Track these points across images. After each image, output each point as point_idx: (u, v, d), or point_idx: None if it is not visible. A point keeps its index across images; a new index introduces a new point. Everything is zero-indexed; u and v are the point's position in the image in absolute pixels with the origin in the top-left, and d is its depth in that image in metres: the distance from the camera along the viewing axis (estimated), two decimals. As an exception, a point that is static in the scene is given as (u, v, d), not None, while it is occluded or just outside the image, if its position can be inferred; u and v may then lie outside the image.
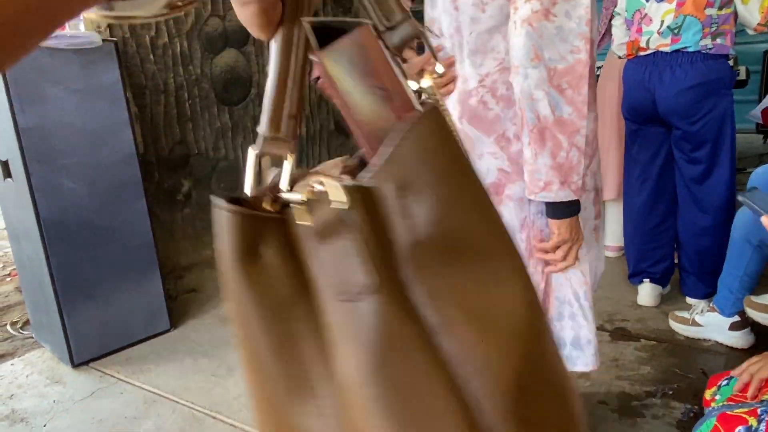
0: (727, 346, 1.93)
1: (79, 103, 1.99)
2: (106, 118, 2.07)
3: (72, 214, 2.03)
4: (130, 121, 2.13)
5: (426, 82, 0.30)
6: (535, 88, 0.96)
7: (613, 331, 2.10)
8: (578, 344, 1.15)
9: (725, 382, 1.13)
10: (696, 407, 1.62)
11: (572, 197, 1.01)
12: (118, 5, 0.23)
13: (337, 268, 0.27)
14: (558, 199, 1.01)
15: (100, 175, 2.06)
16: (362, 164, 0.30)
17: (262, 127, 0.29)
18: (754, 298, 1.77)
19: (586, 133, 0.99)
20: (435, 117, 0.27)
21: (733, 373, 1.06)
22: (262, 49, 2.99)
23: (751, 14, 1.91)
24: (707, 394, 1.18)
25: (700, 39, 1.94)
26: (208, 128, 2.80)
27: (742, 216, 1.82)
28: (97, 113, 2.04)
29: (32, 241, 2.03)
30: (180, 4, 0.23)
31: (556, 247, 1.07)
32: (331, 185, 0.26)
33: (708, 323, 1.95)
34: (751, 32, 1.98)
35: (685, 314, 2.02)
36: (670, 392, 1.71)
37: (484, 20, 1.04)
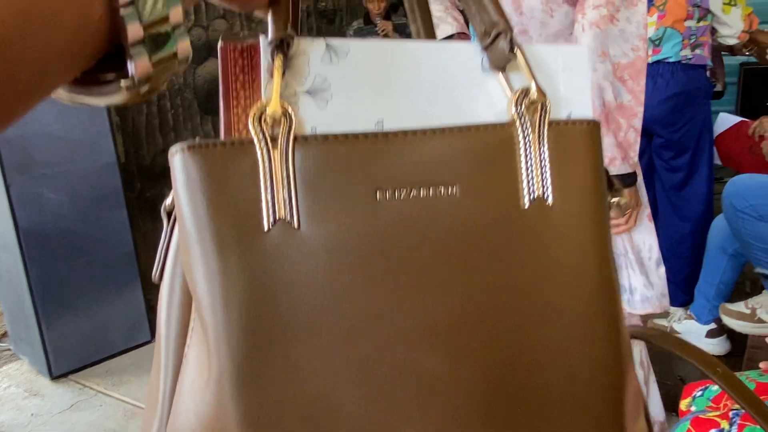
0: (704, 353, 1.95)
1: (59, 112, 1.98)
2: (86, 127, 2.05)
3: (51, 224, 2.01)
4: (111, 130, 2.12)
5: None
6: (602, 79, 1.15)
7: (594, 338, 2.12)
8: (631, 290, 1.38)
9: (700, 393, 1.14)
10: (674, 414, 1.64)
11: (629, 170, 1.22)
12: (76, 93, 0.24)
13: None
14: (620, 172, 1.21)
15: (80, 184, 2.05)
16: None
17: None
18: (729, 306, 1.80)
19: (642, 117, 1.18)
20: None
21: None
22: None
23: (733, 23, 1.96)
24: (683, 405, 1.20)
25: (680, 50, 1.99)
26: (191, 137, 2.78)
27: (717, 225, 1.85)
28: (77, 123, 2.03)
29: (11, 252, 2.01)
30: (140, 94, 0.23)
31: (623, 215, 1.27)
32: None
33: (685, 331, 1.98)
34: (733, 41, 2.03)
35: (663, 322, 2.05)
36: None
37: (552, 24, 1.22)
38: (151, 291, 2.52)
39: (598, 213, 0.33)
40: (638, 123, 1.19)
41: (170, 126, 2.69)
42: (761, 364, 0.87)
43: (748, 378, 0.99)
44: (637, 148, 1.21)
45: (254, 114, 0.29)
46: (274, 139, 0.29)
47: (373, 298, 0.29)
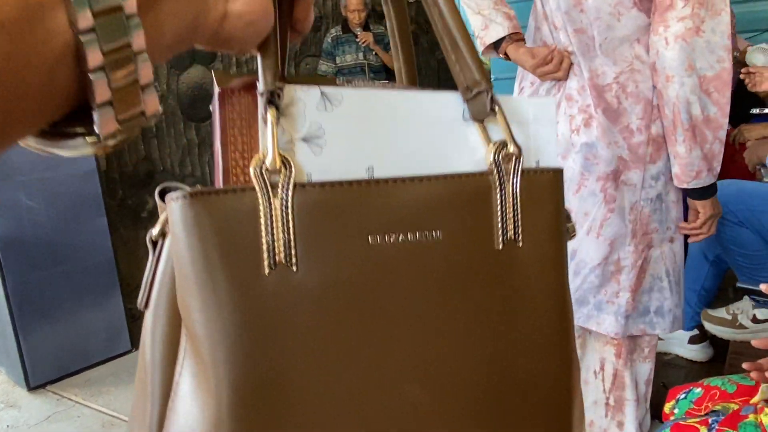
0: (687, 360, 1.96)
1: (38, 118, 1.96)
2: (66, 134, 2.03)
3: (29, 232, 1.97)
4: (92, 137, 2.10)
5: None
6: (690, 94, 1.15)
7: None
8: (661, 312, 1.36)
9: (683, 396, 1.14)
10: (658, 420, 1.64)
11: (713, 180, 1.24)
12: (43, 144, 0.23)
13: None
14: (706, 184, 1.23)
15: (59, 192, 2.02)
16: None
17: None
18: (711, 312, 1.80)
19: (726, 128, 1.22)
20: None
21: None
22: (229, 66, 2.98)
23: None
24: (666, 408, 1.20)
25: None
26: (174, 145, 2.76)
27: (699, 231, 1.86)
28: (57, 129, 2.00)
29: (-13, 260, 1.97)
30: (109, 144, 0.23)
31: (703, 224, 1.29)
32: None
33: (668, 337, 1.98)
34: None
35: (647, 328, 2.06)
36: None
37: (618, 28, 1.20)
38: (131, 300, 2.49)
39: (558, 251, 0.37)
40: (723, 134, 1.21)
41: (153, 133, 2.66)
42: (744, 365, 0.87)
43: (730, 380, 0.99)
44: (720, 158, 1.22)
45: (255, 164, 0.30)
46: (273, 187, 0.30)
47: (364, 335, 0.32)
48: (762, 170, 1.83)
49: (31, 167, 1.96)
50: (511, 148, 0.35)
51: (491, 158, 0.35)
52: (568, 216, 0.38)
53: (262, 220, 0.30)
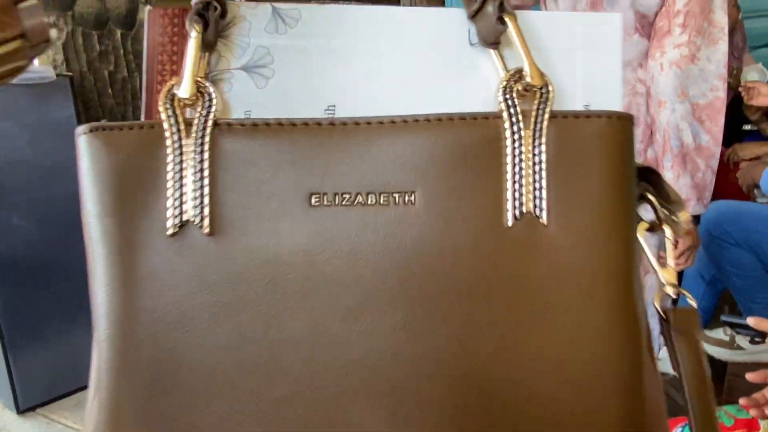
0: (684, 380, 1.94)
1: (30, 138, 1.95)
2: (59, 153, 2.01)
3: (21, 252, 1.96)
4: (85, 156, 2.09)
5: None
6: (681, 120, 1.15)
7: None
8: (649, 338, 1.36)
9: (679, 430, 1.12)
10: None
11: (702, 211, 1.23)
12: None
13: None
14: (694, 213, 1.21)
15: (51, 211, 2.00)
16: None
17: None
18: (708, 333, 1.79)
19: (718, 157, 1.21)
20: None
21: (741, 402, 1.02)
22: (224, 83, 2.98)
23: None
24: (664, 440, 1.18)
25: None
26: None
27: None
28: (49, 149, 1.99)
29: (-23, 282, 1.95)
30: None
31: (681, 254, 1.27)
32: None
33: (666, 357, 1.97)
34: None
35: (644, 348, 2.04)
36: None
37: None
38: (124, 319, 2.46)
39: (616, 237, 0.24)
40: (715, 163, 1.20)
41: (147, 151, 2.66)
42: (741, 401, 0.86)
43: (727, 413, 0.98)
44: (711, 188, 1.21)
45: (165, 93, 0.24)
46: (188, 124, 0.24)
47: (294, 331, 0.23)
48: (756, 191, 1.83)
49: (23, 187, 1.94)
50: (531, 79, 0.24)
51: (500, 95, 0.24)
52: (675, 198, 0.26)
53: (170, 166, 0.24)
